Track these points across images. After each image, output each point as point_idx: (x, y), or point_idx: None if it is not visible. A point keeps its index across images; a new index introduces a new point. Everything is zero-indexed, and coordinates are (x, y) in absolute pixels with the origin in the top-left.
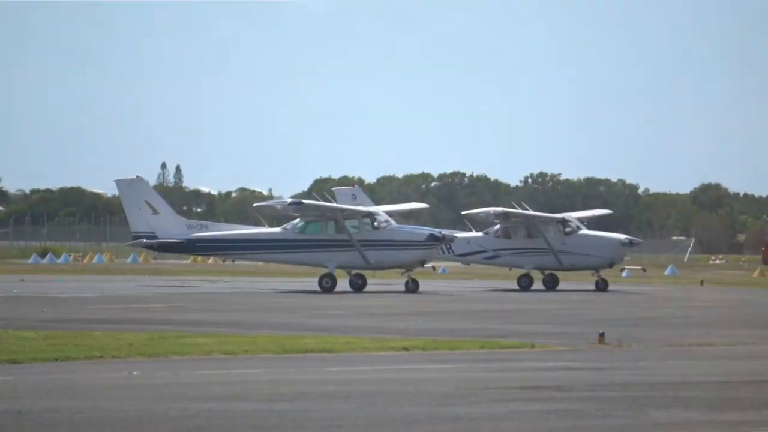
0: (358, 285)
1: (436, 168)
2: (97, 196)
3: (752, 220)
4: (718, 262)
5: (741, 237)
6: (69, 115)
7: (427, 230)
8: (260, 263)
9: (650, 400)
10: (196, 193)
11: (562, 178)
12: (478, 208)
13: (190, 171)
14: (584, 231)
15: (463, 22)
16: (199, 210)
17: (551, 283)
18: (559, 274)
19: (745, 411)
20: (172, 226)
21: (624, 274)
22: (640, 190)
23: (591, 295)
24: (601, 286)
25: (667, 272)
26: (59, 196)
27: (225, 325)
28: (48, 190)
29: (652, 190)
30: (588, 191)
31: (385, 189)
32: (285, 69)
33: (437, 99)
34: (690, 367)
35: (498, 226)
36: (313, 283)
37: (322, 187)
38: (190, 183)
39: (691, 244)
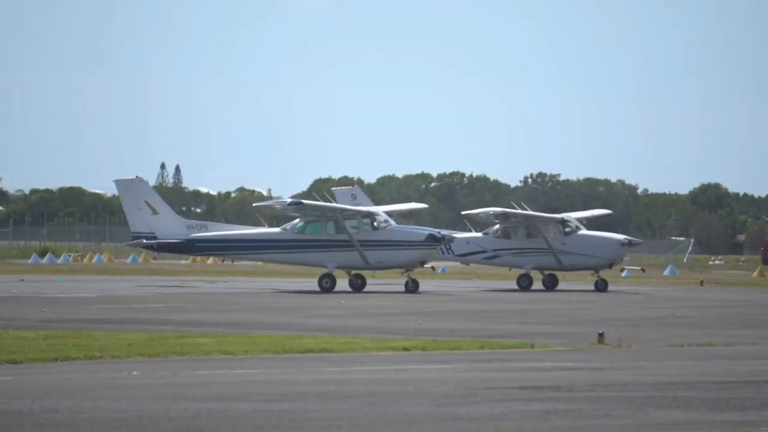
0: (357, 285)
1: (435, 168)
2: (96, 197)
3: (752, 221)
4: (717, 262)
5: (741, 237)
6: (69, 115)
7: (427, 230)
8: (260, 263)
9: (650, 400)
10: (196, 194)
11: (562, 178)
12: (477, 208)
13: (190, 171)
14: (584, 231)
15: (463, 22)
16: (198, 210)
17: (551, 284)
18: (559, 274)
19: (745, 411)
20: (171, 226)
21: (623, 274)
22: (640, 191)
23: (590, 295)
24: (601, 286)
25: (666, 272)
26: (59, 196)
27: (225, 326)
28: (48, 190)
29: (652, 190)
30: (587, 191)
31: (385, 189)
32: (285, 69)
33: (437, 99)
34: (690, 367)
35: (497, 227)
36: (312, 283)
37: (321, 187)
38: (189, 183)
39: (691, 245)
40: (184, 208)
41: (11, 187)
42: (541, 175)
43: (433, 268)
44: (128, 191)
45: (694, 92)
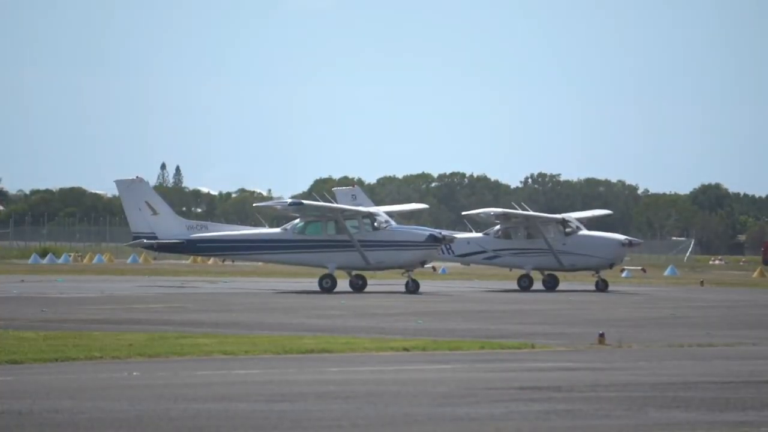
0: (358, 285)
1: (436, 168)
2: (97, 197)
3: (752, 221)
4: (717, 262)
5: (741, 237)
6: (69, 115)
7: (427, 231)
8: (260, 264)
9: (650, 401)
10: (196, 194)
11: (562, 178)
12: (478, 208)
13: (190, 171)
14: (584, 231)
15: (463, 22)
16: (199, 210)
17: (551, 284)
18: (559, 274)
19: (746, 411)
20: (172, 226)
21: (624, 274)
22: (640, 191)
23: (591, 295)
24: (601, 286)
25: (667, 273)
26: (59, 196)
27: (225, 326)
28: (48, 191)
29: (652, 190)
30: (588, 192)
31: (385, 189)
32: (285, 69)
33: (437, 99)
34: (690, 368)
35: (498, 227)
36: (313, 284)
37: (322, 187)
38: (189, 183)
39: (691, 245)
40: (184, 209)
41: (12, 188)
42: (541, 175)
43: (433, 268)
44: (129, 191)
45: (694, 92)
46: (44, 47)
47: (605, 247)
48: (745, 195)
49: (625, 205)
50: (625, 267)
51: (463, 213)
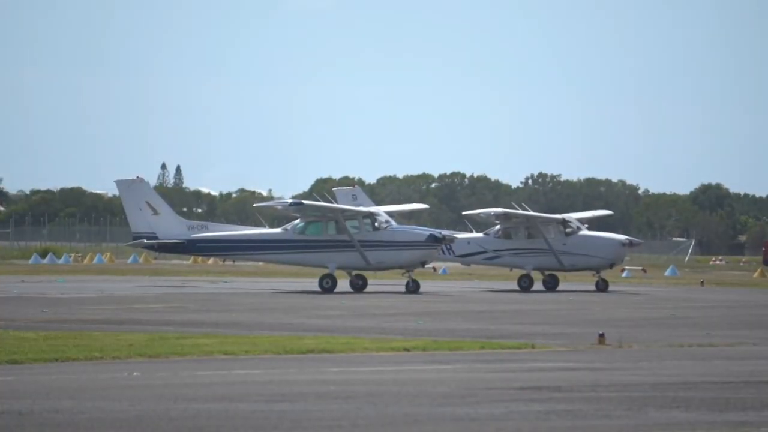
0: (358, 285)
1: (436, 168)
2: (97, 197)
3: (753, 221)
4: (718, 263)
5: (741, 237)
6: (69, 115)
7: (428, 231)
8: (260, 264)
9: (650, 401)
10: (197, 194)
11: (563, 178)
12: (478, 208)
13: (190, 171)
14: (584, 232)
15: (463, 22)
16: (199, 210)
17: (551, 284)
18: (560, 274)
19: (746, 411)
20: (172, 226)
21: (624, 274)
22: (641, 191)
23: (591, 295)
24: (602, 286)
25: (667, 273)
26: (60, 196)
27: (225, 326)
28: (48, 191)
29: (652, 190)
30: (588, 192)
31: (386, 189)
32: (285, 69)
33: (437, 99)
34: (690, 368)
35: (498, 227)
36: (313, 284)
37: (322, 187)
38: (190, 183)
39: (692, 245)
40: (184, 209)
41: (12, 188)
42: (541, 175)
43: (434, 268)
44: (129, 191)
45: (694, 92)
46: (44, 47)
47: (606, 248)
48: (746, 195)
49: (625, 205)
50: (626, 267)
51: (464, 213)
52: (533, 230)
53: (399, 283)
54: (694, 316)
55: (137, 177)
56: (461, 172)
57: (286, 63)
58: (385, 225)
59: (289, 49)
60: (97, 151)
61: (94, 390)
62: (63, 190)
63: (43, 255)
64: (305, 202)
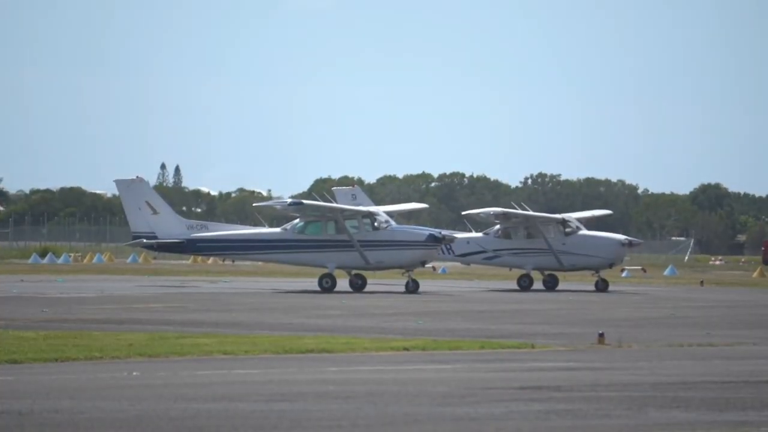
0: (358, 285)
1: (436, 168)
2: (97, 197)
3: (752, 221)
4: (717, 262)
5: (741, 237)
6: (69, 115)
7: (427, 230)
8: (260, 263)
9: (650, 400)
10: (196, 194)
11: (562, 178)
12: (478, 208)
13: (190, 171)
14: (584, 231)
15: (463, 22)
16: (198, 210)
17: (551, 284)
18: (559, 274)
19: (745, 411)
20: (172, 226)
21: (624, 274)
22: (640, 191)
23: (591, 295)
24: (601, 286)
25: (666, 272)
26: (59, 196)
27: (225, 326)
28: (48, 191)
29: (652, 190)
30: (588, 192)
31: (385, 189)
32: (285, 69)
33: (437, 99)
34: (690, 368)
35: (498, 227)
36: (313, 283)
37: (322, 187)
38: (189, 183)
39: (691, 245)
40: (184, 208)
41: (12, 188)
42: (541, 175)
43: (433, 268)
44: (129, 191)
45: (694, 92)
46: (44, 47)
47: (605, 247)
48: (745, 195)
49: (625, 205)
50: (625, 267)
51: (463, 213)
52: (533, 230)
53: (398, 282)
54: (693, 315)
55: (137, 177)
56: (461, 171)
57: (286, 63)
58: (384, 225)
59: (289, 49)
60: (97, 151)
61: (93, 390)
62: (63, 190)
63: (43, 255)
64: (305, 201)
